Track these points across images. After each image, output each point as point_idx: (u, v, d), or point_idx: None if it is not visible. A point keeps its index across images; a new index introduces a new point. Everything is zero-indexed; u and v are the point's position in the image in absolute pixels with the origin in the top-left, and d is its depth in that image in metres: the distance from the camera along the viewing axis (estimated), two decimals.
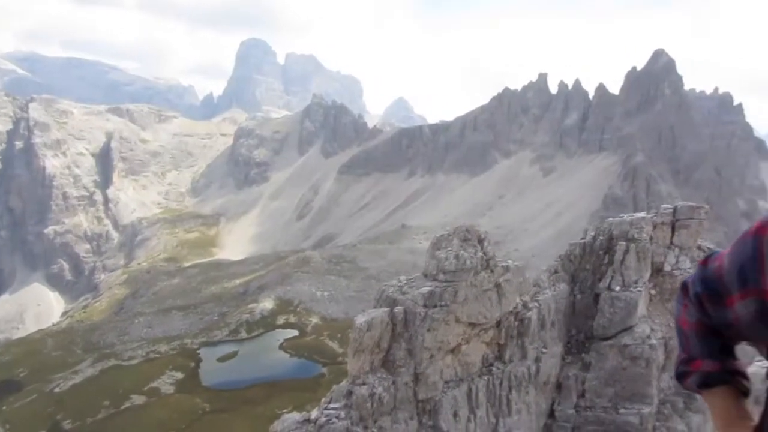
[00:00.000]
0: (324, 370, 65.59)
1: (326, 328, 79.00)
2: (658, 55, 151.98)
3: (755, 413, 1.50)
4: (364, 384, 15.41)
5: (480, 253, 17.23)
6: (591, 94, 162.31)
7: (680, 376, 1.70)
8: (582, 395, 19.50)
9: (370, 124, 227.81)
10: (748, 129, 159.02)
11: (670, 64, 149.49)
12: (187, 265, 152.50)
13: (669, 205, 21.33)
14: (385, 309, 16.16)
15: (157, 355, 71.63)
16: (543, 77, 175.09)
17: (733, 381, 1.60)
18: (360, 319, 15.68)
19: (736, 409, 1.57)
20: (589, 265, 20.30)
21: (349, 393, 15.37)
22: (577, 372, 19.48)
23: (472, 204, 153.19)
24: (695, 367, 1.63)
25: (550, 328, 19.21)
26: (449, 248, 17.13)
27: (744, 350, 1.67)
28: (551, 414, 19.58)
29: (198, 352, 72.38)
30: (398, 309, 16.07)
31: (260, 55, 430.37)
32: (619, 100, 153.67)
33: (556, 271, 20.79)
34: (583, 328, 20.01)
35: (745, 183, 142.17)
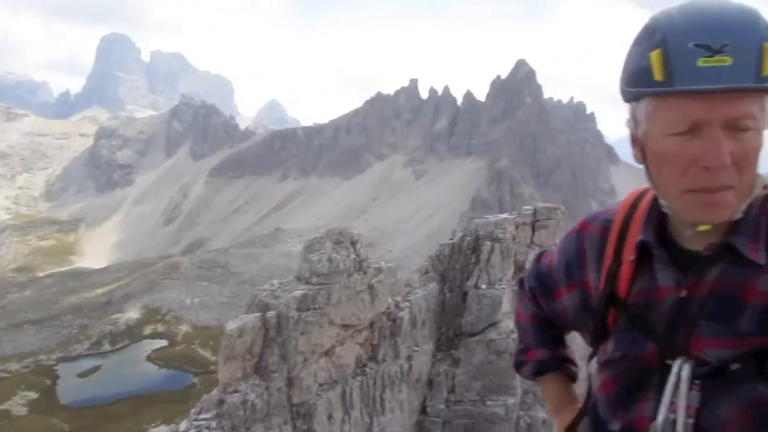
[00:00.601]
0: (195, 380, 63.21)
1: (197, 336, 76.20)
2: (520, 65, 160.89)
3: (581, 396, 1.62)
4: (236, 392, 15.03)
5: (353, 255, 17.36)
6: (459, 101, 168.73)
7: (517, 366, 1.80)
8: (452, 390, 20.15)
9: (242, 126, 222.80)
10: (599, 136, 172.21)
11: (531, 74, 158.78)
12: (41, 275, 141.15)
13: (530, 207, 22.61)
14: (258, 314, 15.87)
15: (7, 375, 65.71)
16: (414, 82, 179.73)
17: (563, 367, 1.73)
18: (231, 326, 15.29)
19: (566, 393, 1.71)
20: (458, 265, 21.05)
21: (221, 402, 14.93)
22: (447, 368, 20.12)
23: (346, 206, 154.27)
24: (530, 356, 1.74)
25: (422, 326, 19.71)
26: (322, 251, 17.11)
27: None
28: (423, 410, 20.08)
29: (55, 368, 67.17)
30: (271, 313, 15.83)
31: (123, 52, 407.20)
32: (485, 106, 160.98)
33: (426, 271, 21.36)
34: (453, 326, 20.70)
35: (597, 186, 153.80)
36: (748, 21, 1.08)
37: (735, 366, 1.18)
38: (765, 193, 1.22)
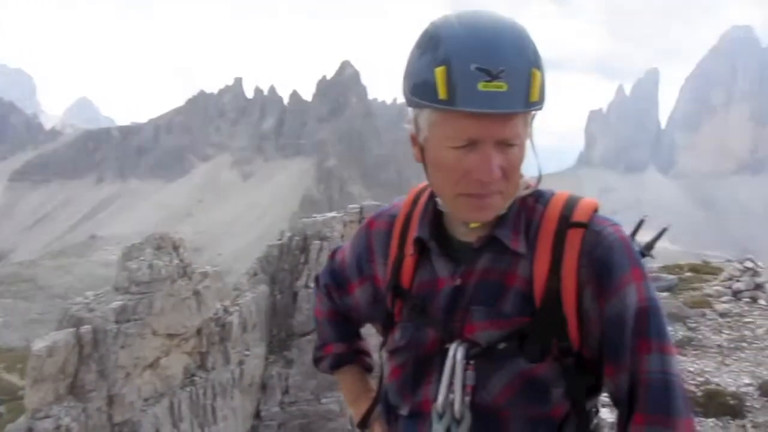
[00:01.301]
0: (1, 408, 56.90)
1: (2, 360, 68.54)
2: (345, 66, 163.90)
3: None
4: (47, 417, 13.74)
5: (176, 261, 16.59)
6: (286, 100, 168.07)
7: (316, 361, 1.83)
8: (286, 392, 20.03)
9: (48, 125, 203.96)
10: None
11: (356, 75, 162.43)
12: None
13: (356, 205, 23.06)
14: (70, 330, 14.61)
15: None
16: (239, 81, 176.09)
17: (359, 359, 1.77)
18: (38, 345, 13.94)
19: (362, 384, 1.76)
20: (287, 265, 20.92)
21: (29, 430, 13.56)
22: (281, 370, 19.96)
23: (171, 210, 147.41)
24: (327, 350, 1.76)
25: (252, 330, 19.34)
26: (142, 258, 16.15)
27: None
28: (257, 415, 19.76)
29: None
30: (85, 328, 14.65)
31: None
32: (311, 106, 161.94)
33: (255, 274, 21.00)
34: (285, 327, 20.56)
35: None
36: (521, 46, 1.17)
37: (502, 345, 1.29)
38: (526, 192, 1.35)
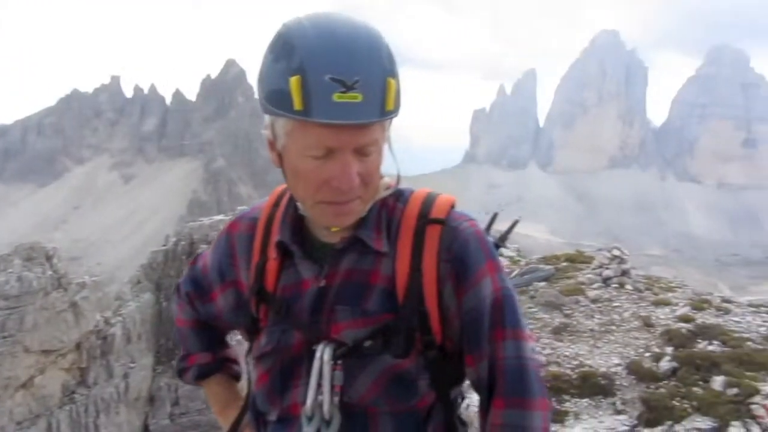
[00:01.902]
0: None
1: None
2: (230, 64, 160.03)
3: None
4: None
5: (49, 272, 15.58)
6: (168, 100, 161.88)
7: (180, 373, 1.76)
8: (176, 403, 19.36)
9: None
10: None
11: (242, 74, 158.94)
12: None
13: (245, 207, 22.60)
14: None
15: None
16: (116, 80, 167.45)
17: (225, 368, 1.74)
18: None
19: (229, 392, 1.73)
20: (173, 271, 20.20)
21: None
22: (169, 380, 19.25)
23: (42, 217, 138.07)
24: (192, 361, 1.71)
25: (137, 340, 18.52)
26: (10, 270, 15.03)
27: None
28: (146, 429, 18.95)
29: None
30: None
31: None
32: (196, 106, 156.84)
33: (139, 282, 20.14)
34: (172, 336, 19.85)
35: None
36: (375, 55, 1.17)
37: (368, 343, 1.31)
38: (386, 193, 1.37)
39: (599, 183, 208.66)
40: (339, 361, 1.31)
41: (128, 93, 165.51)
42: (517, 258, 13.06)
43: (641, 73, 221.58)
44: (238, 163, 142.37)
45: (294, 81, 1.13)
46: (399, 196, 1.40)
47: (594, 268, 10.10)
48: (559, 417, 6.68)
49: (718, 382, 6.45)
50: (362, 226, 1.34)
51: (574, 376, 7.10)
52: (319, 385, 1.31)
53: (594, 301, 9.00)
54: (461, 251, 1.33)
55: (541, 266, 10.86)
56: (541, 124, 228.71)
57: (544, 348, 7.82)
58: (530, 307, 9.10)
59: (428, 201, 1.37)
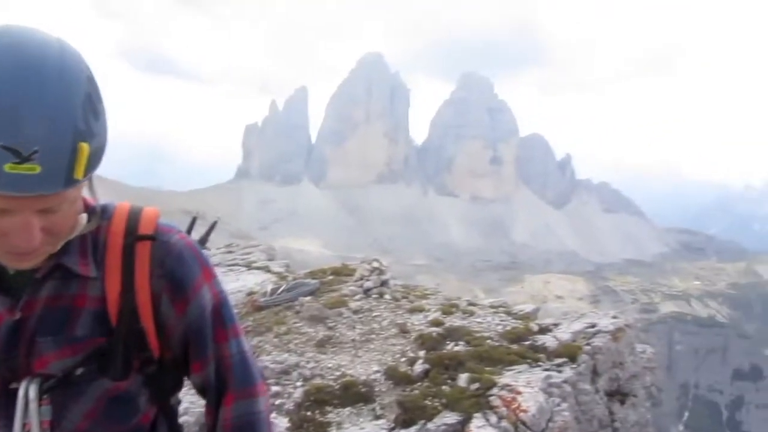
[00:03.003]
0: None
1: None
2: None
3: None
4: None
5: None
6: None
7: None
8: None
9: None
10: None
11: None
12: None
13: None
14: None
15: None
16: None
17: None
18: None
19: None
20: None
21: None
22: None
23: None
24: None
25: None
26: None
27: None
28: None
29: None
30: None
31: None
32: None
33: None
34: None
35: None
36: (64, 115, 1.01)
37: (80, 371, 1.25)
38: (89, 228, 1.26)
39: (369, 197, 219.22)
40: (45, 396, 1.23)
41: None
42: (285, 273, 13.10)
43: (404, 95, 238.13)
44: None
45: None
46: (103, 212, 1.32)
47: (356, 280, 10.49)
48: (322, 428, 6.78)
49: (462, 379, 7.03)
50: (66, 253, 1.24)
51: (337, 387, 7.26)
52: (26, 424, 1.22)
53: (356, 312, 9.32)
54: (175, 265, 1.31)
55: (307, 281, 11.00)
56: (313, 140, 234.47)
57: (309, 362, 7.90)
58: (296, 323, 9.15)
59: (133, 216, 1.32)
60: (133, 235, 1.30)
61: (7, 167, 0.97)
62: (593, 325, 8.55)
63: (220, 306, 1.38)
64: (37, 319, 1.24)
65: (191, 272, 1.33)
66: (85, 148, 1.03)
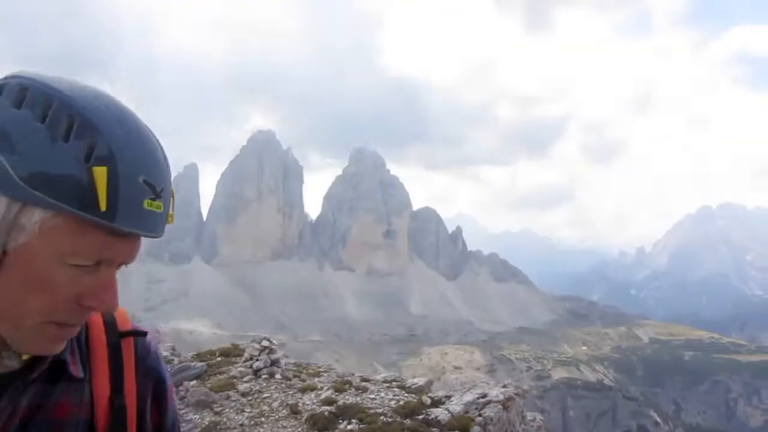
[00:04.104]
0: None
1: None
2: None
3: None
4: None
5: None
6: None
7: None
8: None
9: None
10: None
11: None
12: None
13: None
14: None
15: None
16: None
17: None
18: None
19: None
20: None
21: None
22: None
23: None
24: None
25: None
26: None
27: None
28: None
29: None
30: None
31: None
32: None
33: None
34: None
35: None
36: (166, 160, 1.01)
37: None
38: None
39: (263, 274, 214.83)
40: None
41: None
42: (171, 357, 12.43)
43: (297, 170, 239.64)
44: None
45: (99, 174, 0.89)
46: None
47: (245, 361, 10.11)
48: None
49: None
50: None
51: None
52: None
53: (244, 394, 8.94)
54: (156, 365, 1.23)
55: (193, 364, 10.48)
56: (204, 217, 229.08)
57: None
58: (181, 409, 8.63)
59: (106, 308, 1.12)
60: (115, 331, 1.18)
61: (146, 203, 0.94)
62: (484, 395, 8.64)
63: (177, 415, 1.28)
64: (17, 430, 1.04)
65: (166, 375, 1.25)
66: (173, 193, 1.03)
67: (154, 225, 0.97)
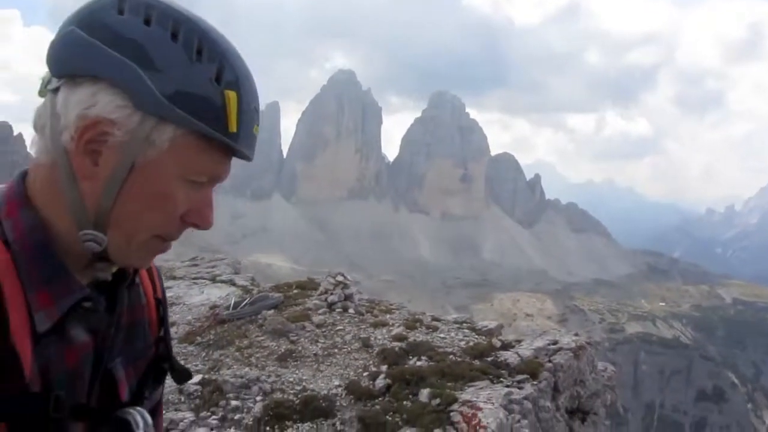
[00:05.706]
0: None
1: None
2: None
3: None
4: None
5: None
6: None
7: None
8: None
9: None
10: (30, 157, 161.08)
11: None
12: None
13: None
14: None
15: None
16: None
17: None
18: None
19: None
20: None
21: None
22: None
23: None
24: None
25: None
26: None
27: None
28: None
29: None
30: None
31: None
32: None
33: None
34: None
35: None
36: None
37: (147, 393, 1.15)
38: None
39: (339, 213, 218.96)
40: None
41: None
42: (250, 287, 12.97)
43: (376, 112, 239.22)
44: None
45: (232, 97, 0.93)
46: None
47: (320, 294, 10.41)
48: None
49: (424, 394, 6.99)
50: None
51: (297, 402, 7.16)
52: None
53: (319, 326, 9.25)
54: (160, 277, 1.28)
55: (271, 294, 10.89)
56: (285, 155, 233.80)
57: (270, 376, 7.79)
58: (258, 336, 9.04)
59: None
60: None
61: (255, 129, 1.00)
62: (555, 342, 8.60)
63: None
64: (112, 340, 1.07)
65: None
66: None
67: (254, 150, 1.02)
